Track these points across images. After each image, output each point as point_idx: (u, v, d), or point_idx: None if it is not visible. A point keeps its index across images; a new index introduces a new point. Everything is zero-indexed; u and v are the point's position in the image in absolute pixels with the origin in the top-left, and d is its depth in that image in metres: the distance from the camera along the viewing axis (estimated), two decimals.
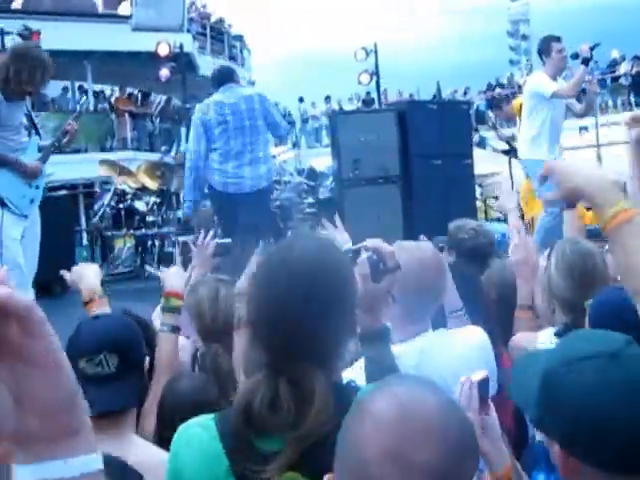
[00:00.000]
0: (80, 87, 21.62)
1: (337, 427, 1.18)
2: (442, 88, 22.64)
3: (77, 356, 2.29)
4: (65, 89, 21.47)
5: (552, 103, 7.04)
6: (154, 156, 14.48)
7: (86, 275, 3.27)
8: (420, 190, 9.70)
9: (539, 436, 2.55)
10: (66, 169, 14.88)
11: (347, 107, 24.37)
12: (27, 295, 5.76)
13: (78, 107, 8.27)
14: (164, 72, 12.16)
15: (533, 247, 3.38)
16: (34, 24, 10.20)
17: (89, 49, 18.33)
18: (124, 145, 19.72)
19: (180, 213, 10.61)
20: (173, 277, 3.14)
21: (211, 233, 3.84)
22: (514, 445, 2.46)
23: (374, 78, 14.19)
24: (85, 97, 20.75)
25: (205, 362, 2.96)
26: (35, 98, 12.73)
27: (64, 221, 9.69)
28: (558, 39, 7.18)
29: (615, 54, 24.65)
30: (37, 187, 5.90)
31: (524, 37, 50.21)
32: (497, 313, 3.33)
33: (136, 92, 22.39)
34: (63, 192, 12.37)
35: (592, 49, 7.05)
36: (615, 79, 24.30)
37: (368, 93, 21.78)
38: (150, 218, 10.48)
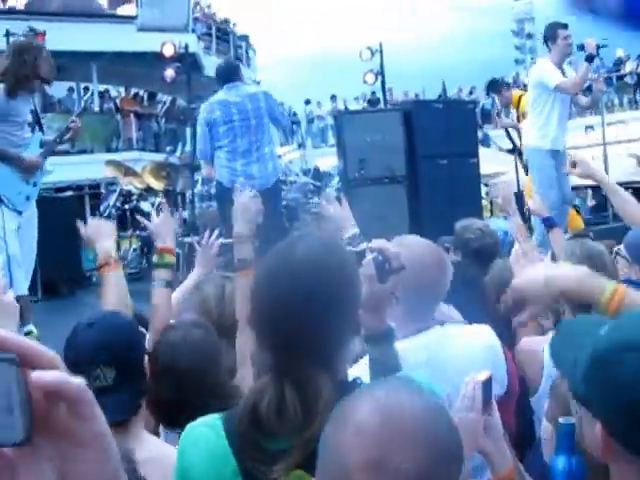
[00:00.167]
0: (86, 88, 21.67)
1: None
2: (447, 88, 22.66)
3: (73, 371, 2.26)
4: (70, 90, 21.51)
5: (557, 93, 7.01)
6: (159, 157, 14.50)
7: (102, 234, 3.21)
8: (426, 190, 9.69)
9: (545, 434, 2.55)
10: (72, 170, 14.95)
11: (353, 106, 24.36)
12: (16, 293, 5.78)
13: (82, 103, 8.24)
14: (169, 72, 12.14)
15: (536, 256, 3.35)
16: (39, 25, 10.19)
17: (94, 50, 18.36)
18: (129, 146, 19.75)
19: (186, 214, 10.63)
20: (164, 232, 3.16)
21: (215, 233, 3.84)
22: (517, 445, 2.47)
23: (379, 78, 14.15)
24: (90, 96, 20.78)
25: None
26: (42, 99, 12.76)
27: (70, 222, 9.67)
28: (565, 26, 7.14)
29: (620, 53, 24.59)
30: (34, 184, 5.91)
31: (529, 36, 50.22)
32: (500, 313, 3.31)
33: (142, 92, 22.43)
34: (69, 193, 12.40)
35: (598, 48, 7.02)
36: (621, 77, 24.27)
37: (373, 93, 21.77)
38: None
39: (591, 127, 15.20)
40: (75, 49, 16.85)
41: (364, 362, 2.14)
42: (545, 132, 7.12)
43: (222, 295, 3.10)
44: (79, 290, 8.24)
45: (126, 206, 10.62)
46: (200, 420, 1.71)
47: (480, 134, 11.72)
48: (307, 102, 27.65)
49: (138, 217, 3.29)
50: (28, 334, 3.73)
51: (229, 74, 7.15)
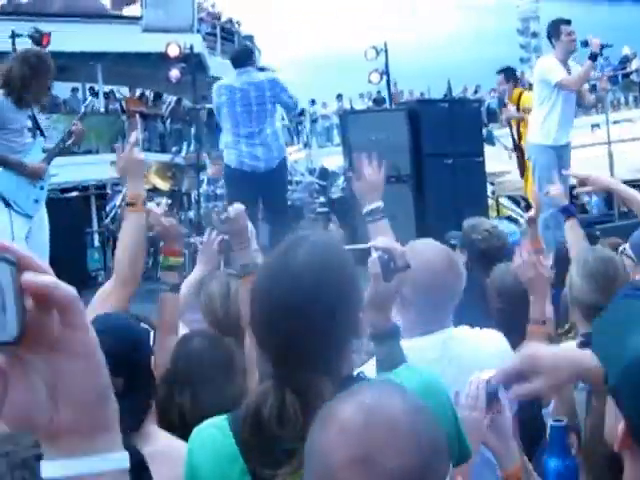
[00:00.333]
0: (91, 88, 21.70)
1: None
2: (453, 87, 22.66)
3: None
4: (75, 90, 21.55)
5: (561, 89, 7.00)
6: (165, 157, 14.50)
7: (135, 172, 3.23)
8: (432, 189, 9.69)
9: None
10: (78, 170, 14.95)
11: (358, 105, 24.34)
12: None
13: (83, 108, 8.23)
14: (174, 73, 12.18)
15: (543, 261, 3.33)
16: (44, 26, 10.22)
17: (99, 51, 18.39)
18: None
19: (192, 214, 10.63)
20: (170, 235, 3.19)
21: (215, 231, 3.83)
22: (526, 446, 2.46)
23: (384, 77, 14.16)
24: (92, 97, 20.79)
25: None
26: (47, 100, 12.78)
27: (76, 223, 9.73)
28: (567, 22, 7.14)
29: (626, 50, 24.54)
30: (42, 188, 5.93)
31: (534, 34, 50.13)
32: (500, 319, 3.29)
33: (147, 93, 22.45)
34: (75, 194, 12.41)
35: (602, 47, 7.00)
36: (626, 75, 24.20)
37: (379, 92, 21.76)
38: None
39: (597, 125, 15.14)
40: (80, 50, 16.88)
41: (372, 363, 2.14)
42: (547, 128, 7.11)
43: (227, 294, 3.11)
44: (84, 290, 8.21)
45: None
46: (207, 422, 1.72)
47: (484, 132, 11.69)
48: (313, 102, 27.62)
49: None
50: None
51: (240, 59, 7.40)
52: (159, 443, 2.31)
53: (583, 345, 2.69)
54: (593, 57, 6.97)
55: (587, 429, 1.88)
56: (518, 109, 9.07)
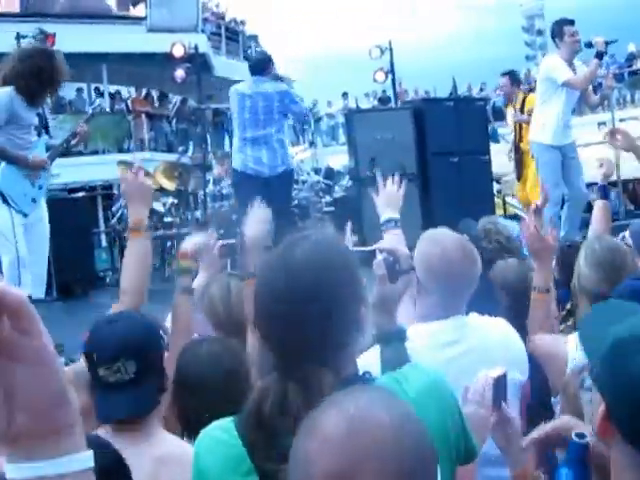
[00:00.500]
0: (96, 89, 21.73)
1: None
2: (458, 85, 22.61)
3: (96, 364, 2.31)
4: (80, 90, 21.57)
5: (566, 89, 6.98)
6: (171, 157, 14.52)
7: (140, 198, 3.15)
8: (438, 188, 9.69)
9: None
10: (84, 171, 14.99)
11: (363, 104, 24.33)
12: (38, 292, 5.82)
13: (90, 110, 8.24)
14: (179, 73, 12.17)
15: (547, 231, 3.35)
16: (49, 27, 10.26)
17: (104, 51, 18.41)
18: (141, 146, 19.78)
19: (198, 213, 10.65)
20: (187, 238, 3.25)
21: (214, 235, 3.86)
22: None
23: (389, 76, 14.15)
24: (101, 98, 20.82)
25: None
26: (53, 100, 12.81)
27: (83, 223, 9.75)
28: (571, 22, 7.12)
29: (632, 48, 24.47)
30: (40, 187, 5.93)
31: (539, 32, 50.03)
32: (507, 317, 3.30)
33: (153, 92, 22.45)
34: (81, 194, 12.42)
35: (607, 44, 6.97)
36: (633, 73, 24.11)
37: (384, 91, 21.74)
38: (168, 219, 10.51)
39: (603, 123, 15.08)
40: (85, 50, 16.90)
41: (373, 353, 2.15)
42: (550, 128, 7.10)
43: (228, 295, 3.14)
44: (92, 290, 8.27)
45: None
46: (214, 424, 1.72)
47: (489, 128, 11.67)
48: (314, 104, 27.60)
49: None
50: None
51: (256, 68, 7.61)
52: (168, 447, 2.33)
53: None
54: (599, 56, 6.94)
55: (592, 428, 1.88)
56: (522, 112, 9.05)
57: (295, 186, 9.88)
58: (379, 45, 13.92)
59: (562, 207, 7.18)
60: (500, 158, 10.37)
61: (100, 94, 21.16)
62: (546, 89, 7.15)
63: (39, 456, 0.83)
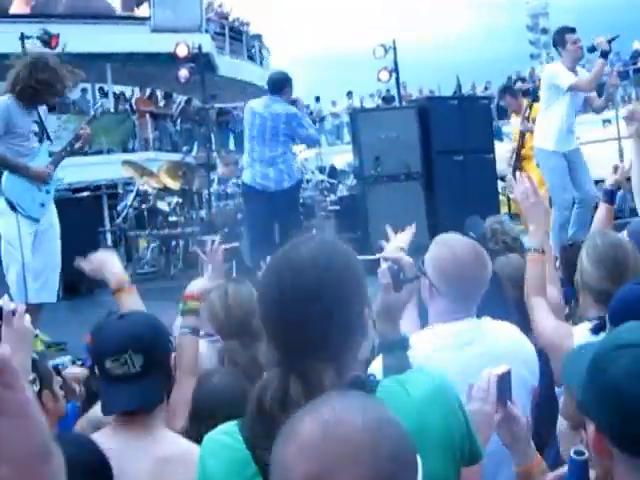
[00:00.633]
0: (101, 89, 21.77)
1: None
2: (462, 84, 22.59)
3: (103, 356, 2.33)
4: (84, 90, 21.62)
5: (569, 95, 6.96)
6: (175, 156, 14.53)
7: (109, 263, 3.25)
8: (442, 186, 9.70)
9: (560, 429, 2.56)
10: (89, 170, 15.01)
11: (368, 103, 24.33)
12: (50, 297, 5.83)
13: (93, 111, 8.24)
14: (183, 73, 12.17)
15: (539, 192, 3.34)
16: (53, 27, 10.23)
17: (108, 51, 18.44)
18: (146, 146, 19.82)
19: (203, 213, 10.66)
20: (196, 283, 3.22)
21: (218, 239, 3.86)
22: (540, 437, 2.49)
23: (393, 75, 14.13)
24: (105, 99, 20.87)
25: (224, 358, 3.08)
26: (57, 100, 12.82)
27: (88, 222, 9.77)
28: (572, 30, 7.10)
29: (637, 45, 24.41)
30: (47, 192, 5.95)
31: (544, 31, 49.96)
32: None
33: (158, 92, 22.49)
34: (86, 194, 12.44)
35: (610, 42, 6.95)
36: (638, 70, 24.06)
37: (388, 90, 21.74)
38: (173, 218, 10.52)
39: (608, 121, 15.08)
40: (89, 51, 16.93)
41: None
42: (555, 134, 7.06)
43: (225, 296, 3.16)
44: (98, 289, 8.29)
45: (143, 206, 10.64)
46: (218, 428, 1.72)
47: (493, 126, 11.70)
48: (317, 99, 27.64)
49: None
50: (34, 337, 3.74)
51: (272, 87, 7.70)
52: (171, 446, 2.34)
53: (595, 329, 2.71)
54: (604, 55, 6.91)
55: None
56: (528, 120, 9.04)
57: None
58: (383, 44, 13.90)
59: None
60: (504, 156, 10.36)
61: (104, 94, 21.20)
62: (549, 96, 7.12)
63: None
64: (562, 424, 2.54)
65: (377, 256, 2.11)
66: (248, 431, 1.61)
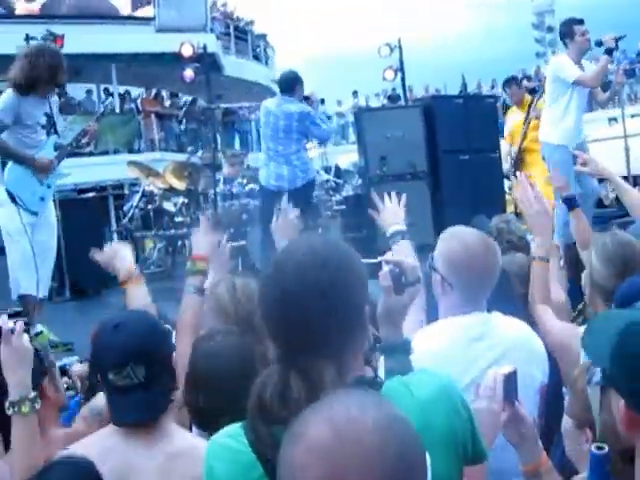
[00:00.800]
0: (106, 89, 21.81)
1: None
2: (468, 82, 22.57)
3: (104, 368, 2.32)
4: (89, 91, 21.67)
5: (575, 88, 6.95)
6: (181, 157, 14.55)
7: (121, 254, 3.34)
8: (448, 185, 9.67)
9: (565, 428, 2.56)
10: (95, 171, 15.04)
11: (374, 103, 24.31)
12: (42, 291, 5.89)
13: (102, 107, 8.26)
14: (188, 73, 12.16)
15: (544, 199, 3.33)
16: (57, 28, 10.23)
17: (113, 52, 18.46)
18: (151, 146, 19.84)
19: (208, 213, 10.67)
20: (200, 241, 3.31)
21: (225, 237, 3.88)
22: (546, 435, 2.48)
23: (399, 74, 14.11)
24: (111, 98, 20.91)
25: None
26: (63, 101, 12.85)
27: (94, 223, 9.78)
28: (580, 21, 7.07)
29: None
30: (49, 186, 6.00)
31: (549, 29, 49.80)
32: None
33: (163, 92, 22.50)
34: (92, 194, 12.47)
35: (617, 40, 6.93)
36: None
37: (394, 89, 21.72)
38: (179, 218, 10.54)
39: (614, 119, 15.04)
40: (94, 51, 16.96)
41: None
42: (562, 128, 7.04)
43: (233, 291, 3.16)
44: (105, 290, 8.31)
45: (149, 206, 10.66)
46: (222, 431, 1.72)
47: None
48: (322, 101, 27.63)
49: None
50: (38, 335, 3.75)
51: (283, 86, 7.83)
52: (180, 442, 2.34)
53: None
54: (609, 52, 6.90)
55: (601, 424, 1.88)
56: (529, 113, 9.03)
57: None
58: (388, 43, 13.88)
59: None
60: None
61: (109, 95, 21.24)
62: (555, 89, 7.10)
63: None
64: (567, 423, 2.54)
65: (379, 259, 2.11)
66: (252, 432, 1.61)
